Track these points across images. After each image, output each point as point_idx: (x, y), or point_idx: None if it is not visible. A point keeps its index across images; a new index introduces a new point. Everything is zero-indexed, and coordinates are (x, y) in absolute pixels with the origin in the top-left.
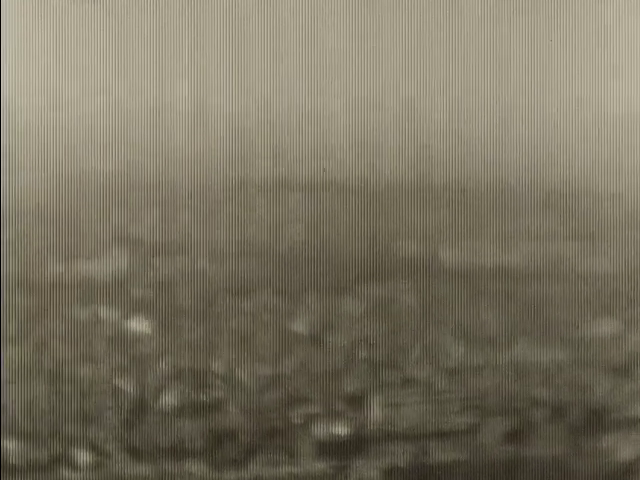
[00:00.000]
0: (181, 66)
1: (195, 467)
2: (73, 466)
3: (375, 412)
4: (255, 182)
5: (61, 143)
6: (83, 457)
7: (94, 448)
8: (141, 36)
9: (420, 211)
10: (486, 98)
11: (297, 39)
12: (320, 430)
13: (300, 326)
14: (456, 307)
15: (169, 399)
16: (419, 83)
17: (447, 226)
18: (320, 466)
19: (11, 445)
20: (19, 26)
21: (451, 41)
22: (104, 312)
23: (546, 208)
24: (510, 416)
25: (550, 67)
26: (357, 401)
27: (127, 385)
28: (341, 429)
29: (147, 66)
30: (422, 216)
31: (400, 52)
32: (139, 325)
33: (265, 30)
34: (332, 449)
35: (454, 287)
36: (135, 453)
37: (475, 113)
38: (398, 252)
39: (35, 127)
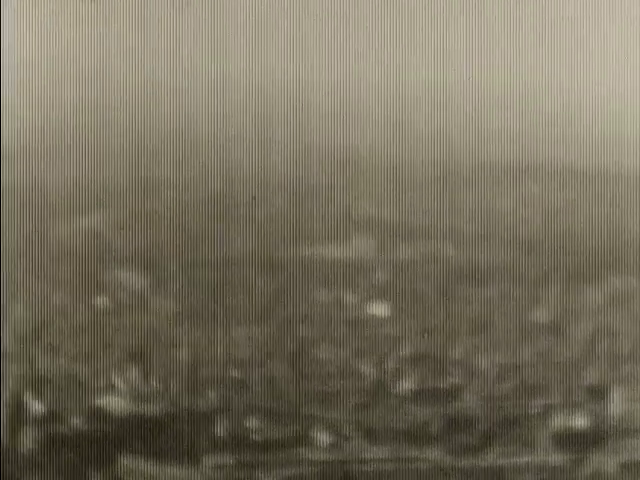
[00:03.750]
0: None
1: (431, 452)
2: (312, 446)
3: (615, 405)
4: (495, 169)
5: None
6: (322, 437)
7: (333, 429)
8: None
9: None
10: None
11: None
12: (558, 421)
13: (540, 315)
14: None
15: (407, 384)
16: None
17: None
18: (557, 457)
19: (253, 423)
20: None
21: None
22: (346, 295)
23: None
24: None
25: None
26: (597, 393)
27: (366, 368)
28: (580, 421)
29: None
30: None
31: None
32: (379, 309)
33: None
34: (569, 441)
35: None
36: (372, 435)
37: None
38: None
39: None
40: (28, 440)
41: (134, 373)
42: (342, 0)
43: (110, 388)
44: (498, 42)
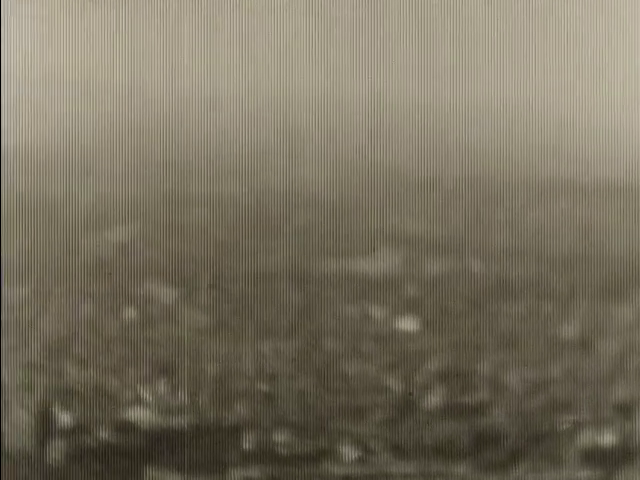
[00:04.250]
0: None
1: (459, 467)
2: (339, 460)
3: None
4: (527, 184)
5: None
6: (349, 452)
7: (360, 444)
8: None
9: None
10: None
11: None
12: (586, 438)
13: (569, 331)
14: None
15: (435, 399)
16: None
17: None
18: (585, 473)
19: (281, 437)
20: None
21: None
22: (374, 309)
23: None
24: None
25: None
26: (626, 410)
27: (394, 383)
28: (608, 438)
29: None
30: None
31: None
32: (407, 323)
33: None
34: (597, 457)
35: None
36: (399, 450)
37: None
38: None
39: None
40: (56, 452)
41: (162, 386)
42: (370, 15)
43: (138, 401)
44: (519, 58)
